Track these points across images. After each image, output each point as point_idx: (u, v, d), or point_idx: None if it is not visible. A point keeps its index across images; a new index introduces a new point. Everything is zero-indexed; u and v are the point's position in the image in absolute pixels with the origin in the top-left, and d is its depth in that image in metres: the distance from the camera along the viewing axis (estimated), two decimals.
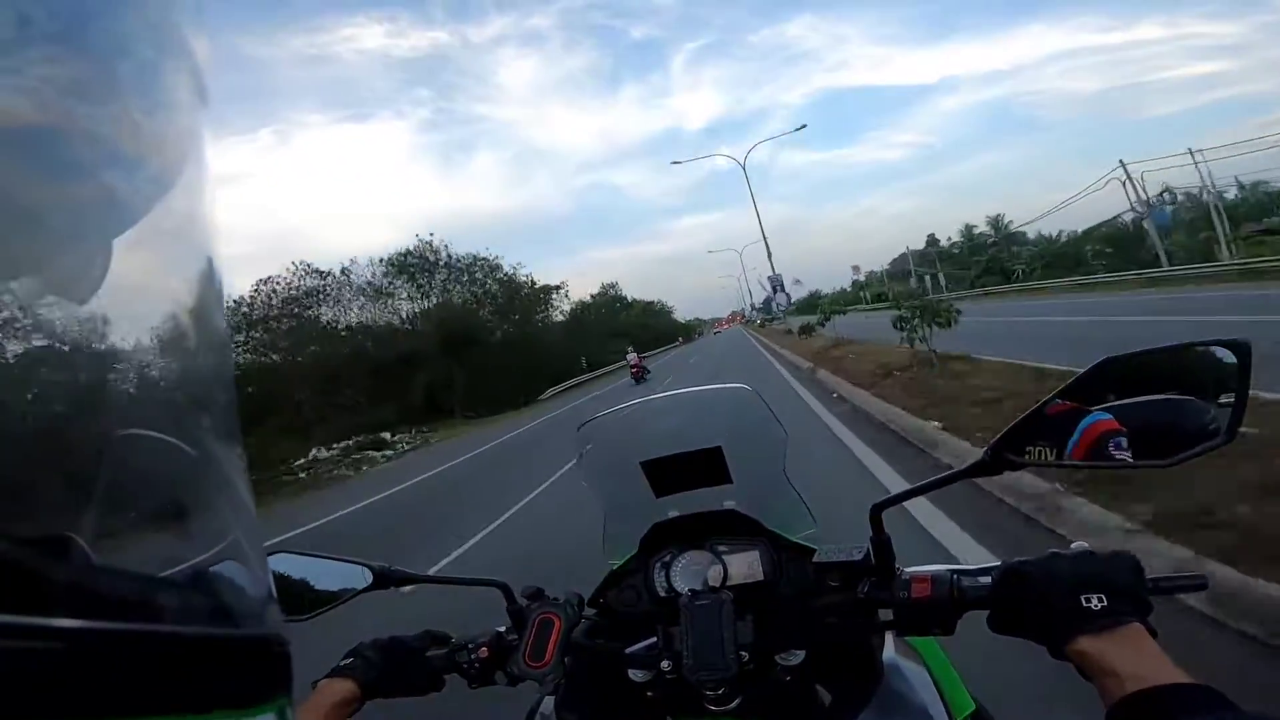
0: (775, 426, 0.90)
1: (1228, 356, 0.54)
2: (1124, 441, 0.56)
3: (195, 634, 0.20)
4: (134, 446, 0.21)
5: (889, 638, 0.78)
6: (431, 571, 3.40)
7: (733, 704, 0.70)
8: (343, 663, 0.77)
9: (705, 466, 0.88)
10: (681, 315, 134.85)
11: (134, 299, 0.22)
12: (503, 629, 0.82)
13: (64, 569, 0.17)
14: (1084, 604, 0.51)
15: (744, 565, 0.84)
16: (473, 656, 0.79)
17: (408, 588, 0.87)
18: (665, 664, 0.71)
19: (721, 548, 0.85)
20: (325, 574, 0.83)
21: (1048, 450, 0.59)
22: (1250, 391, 0.54)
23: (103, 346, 0.21)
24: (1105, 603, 0.51)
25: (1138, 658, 0.47)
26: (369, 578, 0.82)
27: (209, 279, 0.22)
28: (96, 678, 0.16)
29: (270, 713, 0.21)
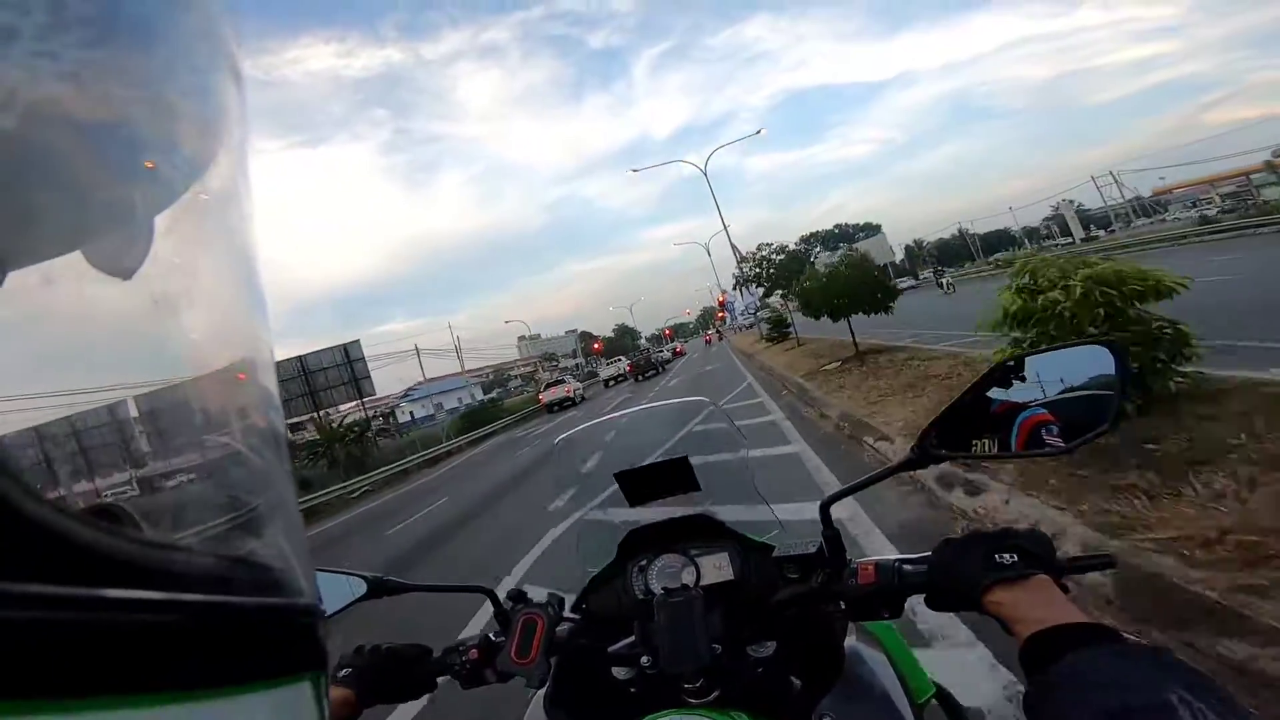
0: (737, 436, 0.95)
1: (1106, 354, 0.61)
2: (1055, 429, 0.62)
3: (238, 604, 0.20)
4: (182, 428, 0.21)
5: (852, 627, 0.83)
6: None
7: (711, 695, 0.72)
8: (339, 674, 0.78)
9: (675, 476, 0.94)
10: (655, 327, 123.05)
11: (174, 276, 0.22)
12: (490, 633, 0.85)
13: (114, 540, 0.17)
14: (997, 560, 0.57)
15: (714, 566, 0.88)
16: (464, 658, 0.83)
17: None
18: (645, 660, 0.74)
19: (693, 550, 0.89)
20: (319, 585, 0.82)
21: (989, 442, 0.65)
22: None
23: (148, 326, 0.22)
24: (1016, 559, 0.56)
25: (1044, 603, 0.53)
26: (363, 588, 0.84)
27: (248, 259, 0.23)
28: (146, 647, 0.16)
29: (306, 682, 0.22)
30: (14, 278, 0.20)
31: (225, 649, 0.19)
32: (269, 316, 0.24)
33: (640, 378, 29.18)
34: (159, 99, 0.22)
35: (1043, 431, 0.62)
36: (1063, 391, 0.63)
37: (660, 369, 30.66)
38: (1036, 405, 0.63)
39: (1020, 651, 0.49)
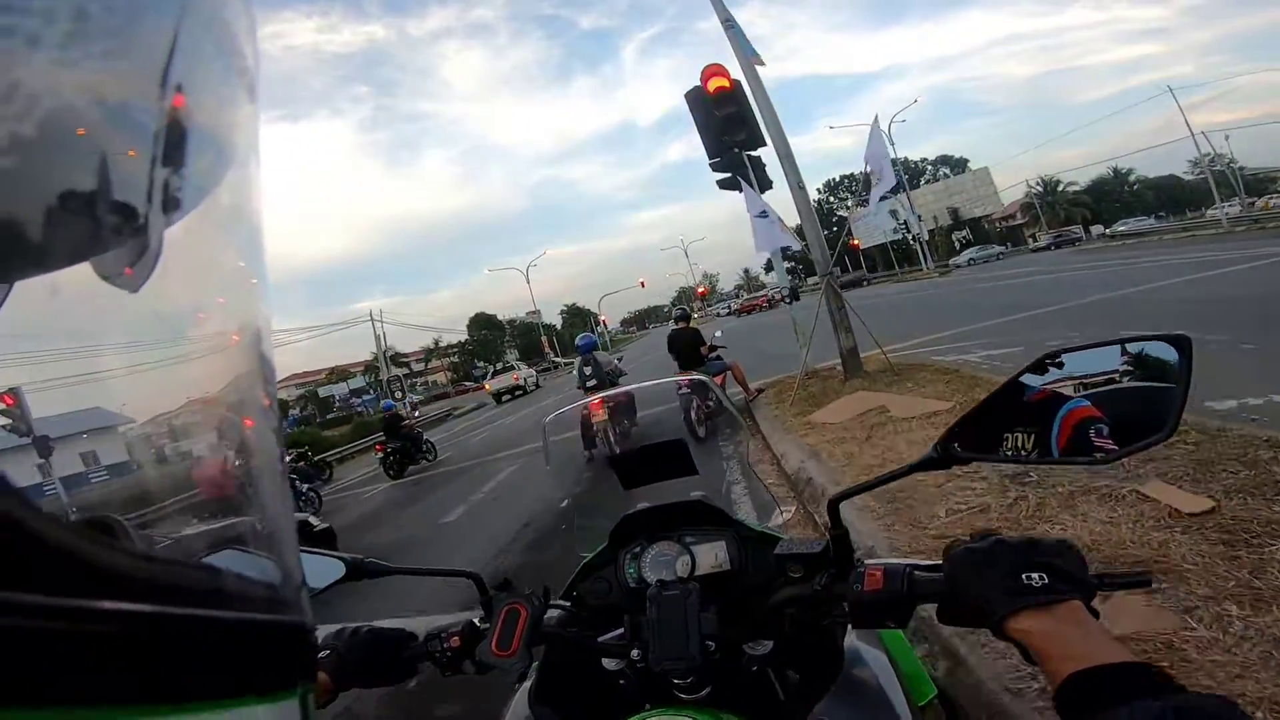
0: (734, 418, 0.93)
1: (1169, 351, 0.55)
2: (1105, 428, 0.56)
3: (233, 619, 0.20)
4: (179, 443, 0.21)
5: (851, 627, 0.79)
6: None
7: (702, 692, 0.71)
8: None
9: (671, 459, 0.92)
10: (629, 310, 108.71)
11: (181, 290, 0.22)
12: (475, 618, 0.83)
13: (111, 553, 0.17)
14: (1025, 581, 0.51)
15: (711, 555, 0.86)
16: (444, 645, 0.80)
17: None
18: (635, 653, 0.72)
19: (689, 538, 0.88)
20: None
21: (1025, 437, 0.59)
22: None
23: (147, 336, 0.21)
24: (1046, 580, 0.51)
25: (1081, 635, 0.47)
26: (342, 570, 0.82)
27: (255, 270, 0.23)
28: (142, 659, 0.16)
29: (295, 698, 0.22)
30: (21, 288, 0.20)
31: (218, 662, 0.19)
32: (272, 328, 0.23)
33: None
34: (174, 112, 0.21)
35: (1090, 430, 0.56)
36: (1114, 386, 0.56)
37: None
38: (1081, 397, 0.57)
39: (1056, 692, 0.45)
